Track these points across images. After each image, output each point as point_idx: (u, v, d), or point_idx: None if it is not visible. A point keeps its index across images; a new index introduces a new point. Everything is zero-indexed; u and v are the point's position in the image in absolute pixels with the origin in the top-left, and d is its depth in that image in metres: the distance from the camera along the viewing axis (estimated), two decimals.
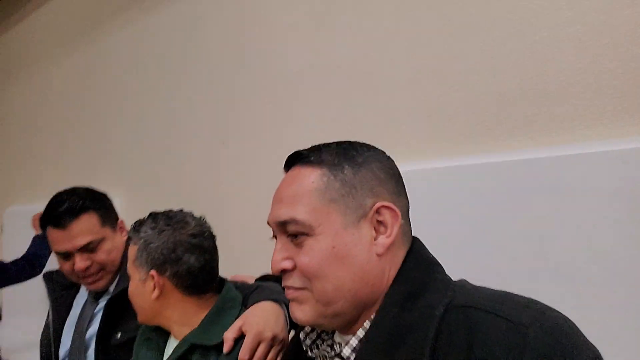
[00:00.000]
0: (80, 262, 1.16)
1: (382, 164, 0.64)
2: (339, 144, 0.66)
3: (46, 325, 1.33)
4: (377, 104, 1.29)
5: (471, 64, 1.12)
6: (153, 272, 0.93)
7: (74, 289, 1.33)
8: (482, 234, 1.05)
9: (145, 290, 0.95)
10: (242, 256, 1.55)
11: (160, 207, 1.92)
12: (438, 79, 1.17)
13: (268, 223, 0.66)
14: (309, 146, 0.68)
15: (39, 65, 2.85)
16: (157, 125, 1.97)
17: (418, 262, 0.62)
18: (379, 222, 0.61)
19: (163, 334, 1.01)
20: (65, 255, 1.18)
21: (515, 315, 0.51)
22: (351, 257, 0.59)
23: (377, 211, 0.61)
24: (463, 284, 0.61)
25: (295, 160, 0.66)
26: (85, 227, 1.17)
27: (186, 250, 0.94)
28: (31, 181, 2.90)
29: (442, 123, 1.16)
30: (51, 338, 1.28)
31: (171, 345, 0.99)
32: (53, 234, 1.18)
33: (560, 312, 0.53)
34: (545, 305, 0.54)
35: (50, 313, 1.32)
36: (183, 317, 0.96)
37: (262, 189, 1.55)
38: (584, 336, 0.52)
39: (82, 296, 1.31)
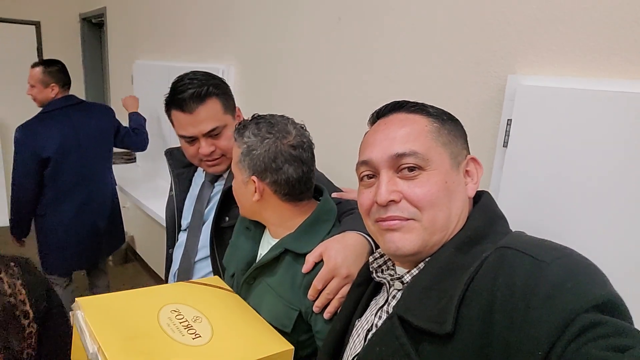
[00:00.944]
0: (205, 147, 1.18)
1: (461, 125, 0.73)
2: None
3: (170, 197, 1.44)
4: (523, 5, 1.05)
5: None
6: (254, 177, 0.97)
7: (193, 167, 1.38)
8: None
9: (247, 191, 1.00)
10: (348, 136, 1.57)
11: (272, 81, 1.93)
12: None
13: (365, 162, 0.70)
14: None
15: None
16: None
17: (483, 214, 0.68)
18: (466, 172, 0.70)
19: (260, 226, 1.09)
20: (191, 140, 1.20)
21: (541, 254, 0.55)
22: (457, 193, 0.67)
23: (467, 162, 0.71)
24: (514, 233, 0.65)
25: (396, 108, 0.72)
26: (211, 112, 1.17)
27: (286, 161, 0.96)
28: (153, 41, 3.13)
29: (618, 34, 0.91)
30: (175, 210, 1.41)
31: (266, 239, 1.07)
32: (179, 117, 1.18)
33: (590, 260, 0.55)
34: (577, 252, 0.56)
35: (173, 187, 1.42)
36: (280, 220, 1.01)
37: (375, 71, 1.47)
38: (605, 281, 0.52)
39: (199, 176, 1.38)
